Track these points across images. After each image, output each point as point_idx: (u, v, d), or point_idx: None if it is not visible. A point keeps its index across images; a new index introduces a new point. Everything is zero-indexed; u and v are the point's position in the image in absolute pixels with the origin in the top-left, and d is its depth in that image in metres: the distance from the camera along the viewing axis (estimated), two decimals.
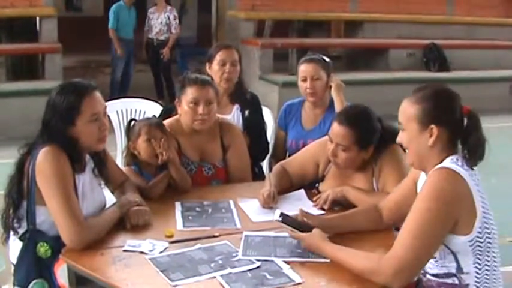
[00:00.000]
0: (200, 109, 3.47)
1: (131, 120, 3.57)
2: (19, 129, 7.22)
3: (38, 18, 10.29)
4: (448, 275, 2.37)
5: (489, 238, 2.34)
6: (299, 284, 2.34)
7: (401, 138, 2.54)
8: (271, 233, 2.81)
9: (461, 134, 2.42)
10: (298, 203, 3.23)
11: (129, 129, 3.49)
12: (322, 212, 3.13)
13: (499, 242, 2.46)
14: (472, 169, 2.37)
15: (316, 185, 3.40)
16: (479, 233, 2.31)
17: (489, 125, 10.56)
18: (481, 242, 2.32)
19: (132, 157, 3.45)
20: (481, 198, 2.34)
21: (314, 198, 3.25)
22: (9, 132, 7.90)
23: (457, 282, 2.38)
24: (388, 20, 12.58)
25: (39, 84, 9.17)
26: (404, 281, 2.26)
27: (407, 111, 2.47)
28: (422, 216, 2.28)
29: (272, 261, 2.51)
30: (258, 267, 2.46)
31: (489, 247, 2.35)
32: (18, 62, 10.37)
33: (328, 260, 2.49)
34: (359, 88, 9.80)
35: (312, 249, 2.55)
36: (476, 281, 2.36)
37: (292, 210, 3.11)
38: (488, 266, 2.36)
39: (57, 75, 9.39)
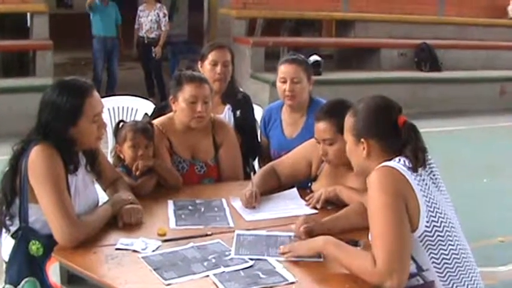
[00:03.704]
0: (198, 107, 3.47)
1: (119, 121, 3.57)
2: (9, 126, 7.18)
3: (29, 15, 10.25)
4: (412, 275, 2.38)
5: (440, 234, 2.37)
6: (292, 283, 2.33)
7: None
8: (263, 232, 2.81)
9: (396, 144, 2.47)
10: (290, 202, 3.24)
11: (117, 131, 3.49)
12: (314, 211, 3.13)
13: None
14: (416, 171, 2.40)
15: (309, 184, 3.41)
16: (427, 227, 2.35)
17: (480, 126, 10.70)
18: (431, 237, 2.36)
19: (119, 159, 3.46)
20: (424, 194, 2.37)
21: (307, 198, 3.24)
22: None
23: (421, 281, 2.40)
24: (379, 19, 12.59)
25: (30, 81, 9.15)
26: (401, 274, 2.25)
27: (346, 123, 2.60)
28: (379, 211, 2.32)
29: (265, 260, 2.51)
30: (251, 266, 2.45)
31: (442, 242, 2.37)
32: (9, 58, 10.33)
33: (321, 259, 2.49)
34: (350, 87, 9.83)
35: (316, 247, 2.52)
36: (440, 276, 2.38)
37: (284, 209, 3.14)
38: (448, 260, 2.38)
39: (48, 72, 9.37)
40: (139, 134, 3.39)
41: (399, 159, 2.43)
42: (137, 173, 3.33)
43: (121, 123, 3.52)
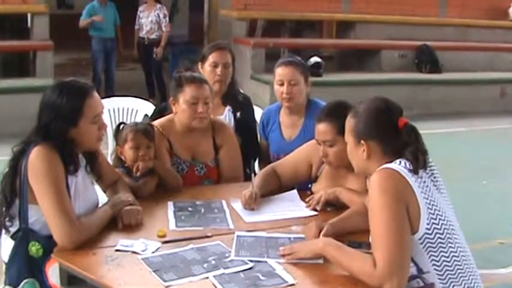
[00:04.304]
0: (200, 107, 3.47)
1: (120, 123, 3.56)
2: (10, 127, 7.19)
3: (29, 15, 10.25)
4: (412, 278, 2.38)
5: (440, 236, 2.36)
6: (292, 285, 2.33)
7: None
8: (264, 234, 2.81)
9: (397, 145, 2.46)
10: (290, 204, 3.24)
11: (117, 133, 3.48)
12: (314, 212, 3.13)
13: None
14: (417, 173, 2.40)
15: (309, 185, 3.41)
16: (428, 229, 2.34)
17: (480, 127, 10.71)
18: (431, 239, 2.35)
19: (119, 160, 3.46)
20: (425, 196, 2.37)
21: (307, 199, 3.24)
22: None
23: (422, 284, 2.39)
24: (380, 21, 12.60)
25: (30, 82, 9.16)
26: (401, 277, 2.25)
27: (347, 125, 2.60)
28: (380, 214, 2.32)
29: (265, 262, 2.50)
30: (251, 268, 2.45)
31: (442, 244, 2.37)
32: (9, 59, 10.33)
33: (321, 261, 2.49)
34: (351, 89, 9.84)
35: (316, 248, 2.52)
36: (440, 279, 2.37)
37: (284, 211, 3.14)
38: (448, 262, 2.38)
39: (48, 72, 9.38)
40: (140, 134, 3.39)
41: (400, 161, 2.42)
42: (138, 174, 3.33)
43: (121, 125, 3.51)
